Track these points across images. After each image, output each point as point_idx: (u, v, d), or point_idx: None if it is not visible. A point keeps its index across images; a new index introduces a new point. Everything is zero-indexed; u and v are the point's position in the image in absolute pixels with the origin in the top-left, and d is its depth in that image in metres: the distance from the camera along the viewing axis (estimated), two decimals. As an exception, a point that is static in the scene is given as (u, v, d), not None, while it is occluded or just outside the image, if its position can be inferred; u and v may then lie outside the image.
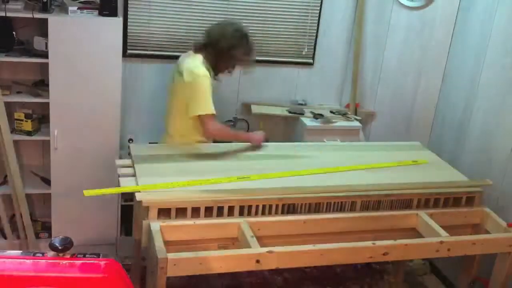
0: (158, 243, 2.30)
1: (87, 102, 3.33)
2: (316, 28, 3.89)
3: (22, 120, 3.33)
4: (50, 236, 3.56)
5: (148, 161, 2.85)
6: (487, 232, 2.86)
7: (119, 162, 2.92)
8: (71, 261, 1.68)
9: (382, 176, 2.94)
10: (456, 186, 2.93)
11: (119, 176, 2.77)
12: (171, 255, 2.23)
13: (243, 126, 3.96)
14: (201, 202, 2.52)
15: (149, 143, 3.80)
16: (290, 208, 2.64)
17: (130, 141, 3.65)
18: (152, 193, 2.52)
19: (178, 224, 2.47)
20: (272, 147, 3.23)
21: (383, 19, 3.92)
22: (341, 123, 3.83)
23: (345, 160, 3.09)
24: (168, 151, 2.99)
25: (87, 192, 2.56)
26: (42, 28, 3.23)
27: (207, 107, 2.99)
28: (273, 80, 3.96)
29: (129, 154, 3.52)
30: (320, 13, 3.86)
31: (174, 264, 2.23)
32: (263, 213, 2.60)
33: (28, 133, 3.35)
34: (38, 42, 3.22)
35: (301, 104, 3.98)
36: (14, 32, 3.29)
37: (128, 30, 3.58)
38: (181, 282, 3.26)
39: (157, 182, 2.60)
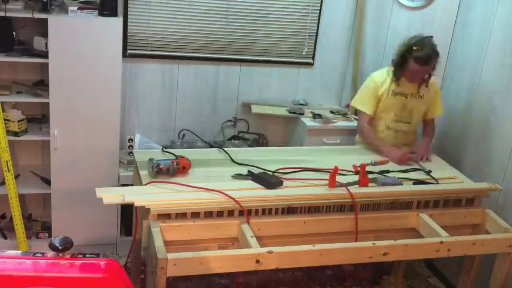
0: (158, 243, 2.30)
1: (87, 102, 3.33)
2: (316, 28, 3.90)
3: (9, 121, 3.32)
4: (50, 236, 3.56)
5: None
6: (487, 232, 2.85)
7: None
8: (71, 261, 1.68)
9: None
10: (466, 192, 2.92)
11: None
12: (171, 255, 2.23)
13: (243, 127, 3.97)
14: (200, 209, 2.52)
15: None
16: (290, 208, 2.64)
17: (130, 141, 3.65)
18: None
19: (178, 224, 2.47)
20: (274, 151, 3.23)
21: (383, 19, 3.92)
22: (341, 123, 3.83)
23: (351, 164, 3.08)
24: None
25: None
26: (42, 28, 3.23)
27: (359, 101, 3.33)
28: (273, 80, 3.96)
29: (130, 153, 3.54)
30: (320, 13, 3.86)
31: (174, 264, 2.23)
32: (263, 213, 2.60)
33: (15, 134, 3.33)
34: (38, 42, 3.22)
35: (301, 104, 3.98)
36: (14, 32, 3.29)
37: (128, 30, 3.58)
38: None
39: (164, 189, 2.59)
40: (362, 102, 3.31)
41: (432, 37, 3.19)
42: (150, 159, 2.73)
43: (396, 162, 3.13)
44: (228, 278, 3.49)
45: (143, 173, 2.75)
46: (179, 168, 2.74)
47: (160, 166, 2.69)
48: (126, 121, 3.72)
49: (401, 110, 3.29)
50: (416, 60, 3.10)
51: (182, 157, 2.81)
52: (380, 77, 3.27)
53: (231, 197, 2.52)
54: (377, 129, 3.33)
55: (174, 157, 2.82)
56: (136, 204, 2.47)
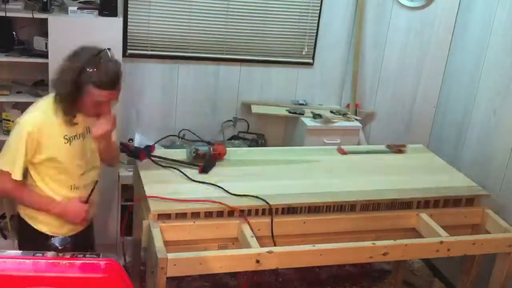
0: (158, 243, 2.30)
1: (87, 102, 3.32)
2: (316, 28, 3.90)
3: (9, 121, 3.31)
4: (50, 236, 3.55)
5: (153, 167, 2.83)
6: (487, 232, 2.85)
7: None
8: (71, 261, 1.68)
9: (383, 180, 2.93)
10: (456, 193, 2.91)
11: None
12: (171, 255, 2.23)
13: (243, 127, 3.96)
14: (200, 209, 2.52)
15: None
16: (290, 208, 2.64)
17: (130, 141, 3.65)
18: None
19: (178, 224, 2.47)
20: (277, 152, 3.23)
21: (383, 19, 3.92)
22: (341, 123, 3.83)
23: (352, 165, 3.09)
24: (172, 157, 2.98)
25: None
26: (42, 28, 3.23)
27: (4, 160, 2.30)
28: (273, 80, 3.96)
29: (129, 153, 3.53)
30: (320, 13, 3.86)
31: (174, 264, 2.23)
32: (263, 214, 2.60)
33: None
34: (38, 42, 3.22)
35: (301, 104, 3.98)
36: (14, 32, 3.29)
37: (128, 30, 3.58)
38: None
39: (164, 189, 2.59)
40: (9, 160, 2.27)
41: (109, 49, 2.30)
42: (189, 144, 2.90)
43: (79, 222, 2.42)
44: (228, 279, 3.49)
45: (143, 173, 2.76)
46: (215, 153, 2.89)
47: (198, 151, 2.86)
48: (126, 121, 3.72)
49: (82, 157, 2.41)
50: (99, 85, 2.21)
51: (219, 144, 2.96)
52: (39, 122, 2.27)
53: (231, 207, 2.52)
54: (57, 197, 2.37)
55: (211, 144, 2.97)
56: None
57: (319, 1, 3.83)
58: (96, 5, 3.25)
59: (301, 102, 4.00)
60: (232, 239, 2.55)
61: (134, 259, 3.10)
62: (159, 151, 2.99)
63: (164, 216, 2.47)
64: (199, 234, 2.50)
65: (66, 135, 2.33)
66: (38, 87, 3.38)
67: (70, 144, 2.34)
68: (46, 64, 3.20)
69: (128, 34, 3.58)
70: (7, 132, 3.31)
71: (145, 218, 2.49)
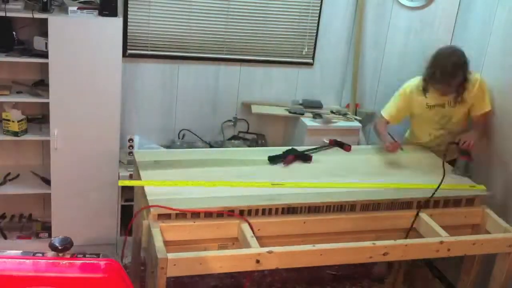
0: (158, 243, 2.30)
1: (87, 102, 3.33)
2: (316, 28, 3.90)
3: (9, 121, 3.31)
4: (50, 236, 3.56)
5: (153, 167, 2.84)
6: (487, 232, 2.85)
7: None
8: (71, 261, 1.68)
9: (383, 180, 2.93)
10: (456, 194, 2.92)
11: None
12: (171, 255, 2.23)
13: (243, 127, 3.96)
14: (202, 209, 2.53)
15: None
16: (290, 208, 2.64)
17: (130, 141, 3.65)
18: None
19: (178, 224, 2.47)
20: (277, 152, 3.22)
21: (383, 19, 3.92)
22: (341, 123, 3.83)
23: (352, 165, 3.10)
24: (172, 157, 2.98)
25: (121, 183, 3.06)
26: (42, 28, 3.23)
27: (386, 107, 3.41)
28: (273, 80, 3.96)
29: (130, 153, 3.54)
30: (320, 13, 3.86)
31: (174, 264, 2.23)
32: (263, 213, 2.60)
33: (15, 134, 3.33)
34: (38, 42, 3.22)
35: (301, 104, 3.98)
36: (14, 32, 3.29)
37: (128, 30, 3.58)
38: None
39: (163, 189, 2.59)
40: (387, 107, 3.38)
41: (458, 49, 3.17)
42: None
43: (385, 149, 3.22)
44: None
45: (144, 173, 2.76)
46: None
47: None
48: (126, 121, 3.72)
49: (440, 118, 3.30)
50: (433, 79, 3.11)
51: None
52: (413, 88, 3.29)
53: (230, 213, 2.51)
54: (421, 138, 3.42)
55: None
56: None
57: (319, 1, 3.83)
58: (96, 5, 3.25)
59: (301, 102, 4.00)
60: (232, 239, 2.55)
61: (134, 259, 3.11)
62: (159, 151, 2.99)
63: (164, 216, 2.47)
64: (199, 234, 2.50)
65: (428, 103, 3.26)
66: (38, 87, 3.38)
67: (430, 109, 3.28)
68: (46, 64, 3.21)
69: (128, 34, 3.58)
70: (7, 132, 3.32)
71: (145, 218, 2.49)
